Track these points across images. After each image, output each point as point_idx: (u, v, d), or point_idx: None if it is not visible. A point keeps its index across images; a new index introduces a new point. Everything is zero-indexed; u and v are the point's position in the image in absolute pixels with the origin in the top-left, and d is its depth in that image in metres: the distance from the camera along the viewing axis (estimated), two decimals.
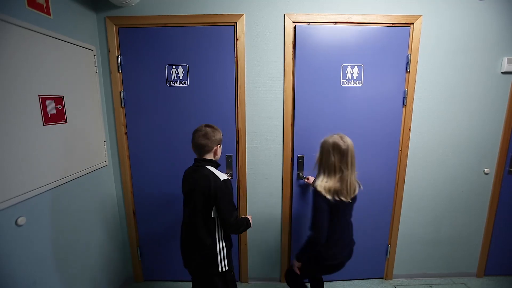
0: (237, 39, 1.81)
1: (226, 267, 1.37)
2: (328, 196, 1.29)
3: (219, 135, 1.37)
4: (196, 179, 1.32)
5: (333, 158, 1.31)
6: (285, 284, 2.13)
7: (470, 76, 1.91)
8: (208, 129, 1.34)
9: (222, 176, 1.31)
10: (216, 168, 1.37)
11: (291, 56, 1.84)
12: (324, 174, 1.34)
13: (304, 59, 1.84)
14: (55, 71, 1.44)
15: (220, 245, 1.35)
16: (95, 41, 1.80)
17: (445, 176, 2.05)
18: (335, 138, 1.33)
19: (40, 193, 1.32)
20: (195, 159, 1.39)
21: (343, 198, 1.31)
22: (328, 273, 1.50)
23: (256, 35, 1.82)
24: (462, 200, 2.09)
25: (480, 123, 1.98)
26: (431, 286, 2.11)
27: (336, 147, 1.31)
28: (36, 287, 1.29)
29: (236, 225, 1.34)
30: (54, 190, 1.42)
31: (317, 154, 1.40)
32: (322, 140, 1.38)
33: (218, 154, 1.40)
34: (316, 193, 1.32)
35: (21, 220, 1.21)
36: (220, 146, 1.40)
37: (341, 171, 1.31)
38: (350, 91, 1.88)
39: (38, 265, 1.31)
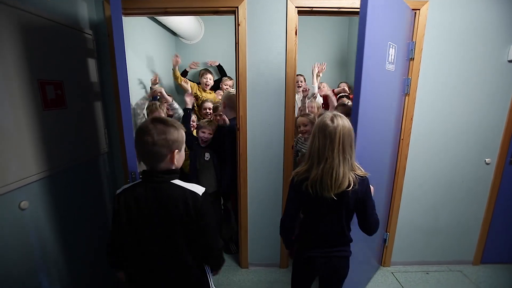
0: (238, 25, 1.77)
1: None
2: (304, 187, 1.09)
3: (175, 134, 0.94)
4: (164, 204, 0.93)
5: (317, 142, 1.07)
6: (284, 270, 2.17)
7: (475, 64, 1.88)
8: (160, 126, 0.92)
9: (198, 188, 0.97)
10: (180, 178, 1.00)
11: (294, 42, 1.80)
12: (307, 160, 1.12)
13: None
14: (53, 55, 1.42)
15: (208, 272, 1.07)
16: (93, 25, 1.76)
17: (446, 166, 2.05)
18: (325, 117, 1.08)
19: (42, 178, 1.33)
20: (147, 172, 0.96)
21: (324, 193, 1.07)
22: (306, 274, 1.29)
23: (258, 20, 1.78)
24: (462, 190, 2.10)
25: (483, 113, 1.96)
26: (427, 273, 2.15)
27: (321, 128, 1.06)
28: (41, 268, 1.32)
29: (220, 255, 1.05)
30: (56, 175, 1.42)
31: (314, 136, 1.14)
32: (331, 127, 1.08)
33: (176, 163, 0.98)
34: (291, 180, 1.17)
35: (24, 204, 1.22)
36: (179, 151, 0.98)
37: (325, 159, 1.05)
38: None
39: (42, 248, 1.34)
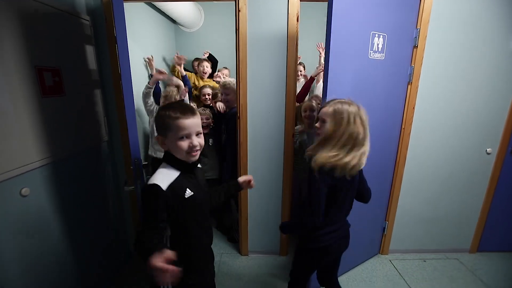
0: (239, 11, 1.73)
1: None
2: (335, 174, 1.09)
3: (157, 118, 0.97)
4: None
5: (356, 129, 1.08)
6: (284, 257, 2.21)
7: (480, 52, 1.85)
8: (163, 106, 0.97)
9: (155, 179, 0.93)
10: (173, 166, 0.98)
11: (295, 29, 1.76)
12: (340, 148, 1.10)
13: None
14: (50, 41, 1.39)
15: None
16: (91, 10, 1.72)
17: (447, 155, 2.04)
18: (354, 105, 1.11)
19: (43, 165, 1.33)
20: None
21: (346, 177, 1.11)
22: (320, 263, 1.32)
23: (259, 6, 1.74)
24: (462, 179, 2.10)
25: (486, 102, 1.94)
26: (425, 261, 2.18)
27: (359, 115, 1.10)
28: (43, 255, 1.34)
29: (139, 236, 0.89)
30: (56, 163, 1.42)
31: (326, 124, 1.12)
32: (332, 107, 1.11)
33: (165, 147, 0.99)
34: (317, 170, 1.09)
35: (25, 191, 1.23)
36: (163, 137, 0.96)
37: (361, 145, 1.11)
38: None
39: (44, 235, 1.35)
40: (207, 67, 3.10)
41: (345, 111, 1.09)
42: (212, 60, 3.39)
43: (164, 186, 0.92)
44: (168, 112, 0.93)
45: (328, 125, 1.11)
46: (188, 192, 0.98)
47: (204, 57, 3.35)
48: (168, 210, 0.93)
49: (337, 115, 1.10)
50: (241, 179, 1.27)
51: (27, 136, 1.24)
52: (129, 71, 1.32)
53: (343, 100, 1.14)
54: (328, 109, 1.13)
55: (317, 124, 1.18)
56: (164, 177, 0.95)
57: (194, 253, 1.05)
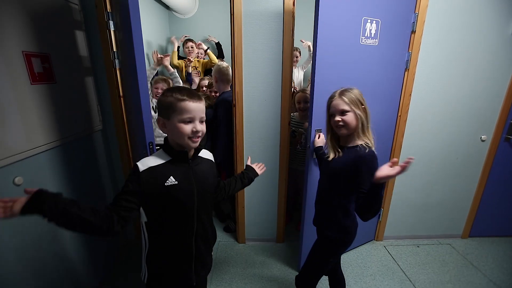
0: None
1: (146, 273, 1.02)
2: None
3: (162, 98, 0.91)
4: None
5: (366, 113, 1.16)
6: (280, 244, 2.24)
7: (478, 37, 1.83)
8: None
9: (142, 159, 0.94)
10: (166, 152, 0.96)
11: (291, 13, 1.72)
12: (368, 129, 1.16)
13: None
14: (38, 26, 1.34)
15: (145, 236, 1.01)
16: None
17: (442, 143, 2.05)
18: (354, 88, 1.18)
19: (35, 154, 1.31)
20: None
21: None
22: (342, 251, 1.34)
23: None
24: (456, 166, 2.12)
25: (482, 89, 1.94)
26: (418, 246, 2.23)
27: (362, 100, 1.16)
28: (41, 243, 1.34)
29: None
30: (49, 152, 1.40)
31: (349, 113, 1.12)
32: (353, 94, 1.14)
33: (165, 132, 0.94)
34: (375, 156, 1.09)
35: (19, 180, 1.21)
36: (166, 119, 0.91)
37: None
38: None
39: (37, 223, 1.34)
40: (192, 47, 3.11)
41: (358, 100, 1.14)
42: (219, 50, 3.47)
43: (142, 167, 0.90)
44: (175, 94, 0.89)
45: (357, 112, 1.12)
46: (171, 180, 0.92)
47: (210, 39, 3.43)
48: (143, 194, 0.89)
49: (361, 100, 1.14)
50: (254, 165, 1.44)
51: (16, 125, 1.21)
52: (143, 55, 1.34)
53: (345, 88, 1.17)
54: (341, 101, 1.12)
55: (337, 119, 1.13)
56: (150, 160, 0.93)
57: (167, 245, 0.99)
